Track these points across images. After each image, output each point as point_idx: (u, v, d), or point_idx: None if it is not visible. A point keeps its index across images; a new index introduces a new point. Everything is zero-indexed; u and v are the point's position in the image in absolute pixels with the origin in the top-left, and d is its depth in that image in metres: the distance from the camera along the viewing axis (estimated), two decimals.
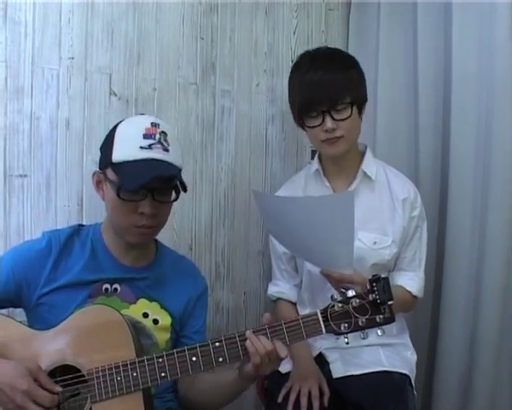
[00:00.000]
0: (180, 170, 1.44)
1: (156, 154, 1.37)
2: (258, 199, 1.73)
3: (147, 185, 1.34)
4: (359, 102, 1.72)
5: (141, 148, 1.36)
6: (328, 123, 1.66)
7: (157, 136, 1.38)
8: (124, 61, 1.86)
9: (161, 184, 1.38)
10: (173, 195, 1.44)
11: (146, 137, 1.37)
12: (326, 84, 1.65)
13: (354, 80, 1.71)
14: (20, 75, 1.70)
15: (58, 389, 1.24)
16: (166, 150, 1.39)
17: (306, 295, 1.85)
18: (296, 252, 1.78)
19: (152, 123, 1.40)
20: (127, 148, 1.37)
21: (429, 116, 2.11)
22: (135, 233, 1.41)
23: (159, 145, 1.38)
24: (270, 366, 1.29)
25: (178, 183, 1.40)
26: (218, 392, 1.43)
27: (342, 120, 1.66)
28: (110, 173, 1.39)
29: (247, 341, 1.28)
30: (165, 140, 1.39)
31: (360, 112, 1.74)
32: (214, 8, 2.02)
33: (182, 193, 1.43)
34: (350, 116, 1.67)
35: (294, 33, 2.21)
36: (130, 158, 1.36)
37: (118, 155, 1.38)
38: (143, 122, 1.40)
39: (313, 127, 1.70)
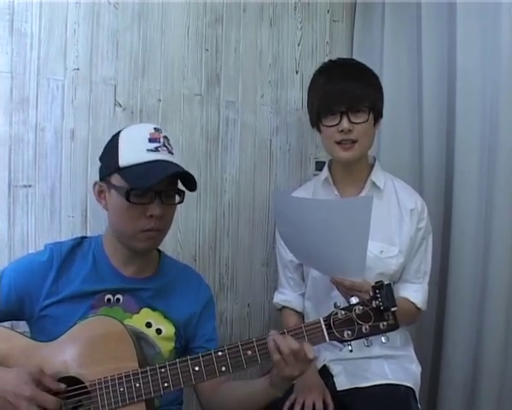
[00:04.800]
0: None
1: (163, 155, 1.39)
2: (277, 199, 1.73)
3: (162, 182, 1.35)
4: (376, 110, 1.75)
5: (148, 150, 1.38)
6: (345, 123, 1.68)
7: (161, 139, 1.41)
8: (129, 72, 1.87)
9: (168, 186, 1.39)
10: (177, 198, 1.45)
11: (151, 140, 1.39)
12: (348, 89, 1.69)
13: (374, 89, 1.75)
14: (26, 86, 1.71)
15: (62, 386, 1.24)
16: (171, 153, 1.42)
17: (309, 304, 1.85)
18: (305, 259, 1.77)
19: (155, 128, 1.42)
20: (134, 152, 1.38)
21: (433, 121, 2.10)
22: (142, 238, 1.41)
23: (164, 148, 1.40)
24: (297, 368, 1.26)
25: (190, 179, 1.42)
26: (247, 400, 1.41)
27: (358, 123, 1.69)
28: (116, 180, 1.39)
29: (268, 338, 1.27)
30: (169, 144, 1.43)
31: (375, 123, 1.76)
32: (219, 20, 2.04)
33: (186, 203, 1.44)
34: (366, 121, 1.70)
35: (299, 45, 2.22)
36: (138, 161, 1.37)
37: (125, 159, 1.38)
38: (146, 128, 1.43)
39: (329, 126, 1.72)
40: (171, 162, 1.40)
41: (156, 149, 1.38)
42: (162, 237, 1.49)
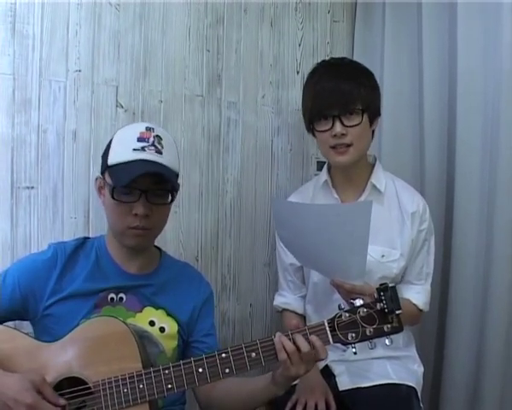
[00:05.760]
0: (176, 174, 1.47)
1: (148, 155, 1.39)
2: (275, 205, 1.73)
3: (134, 181, 1.35)
4: (371, 110, 1.70)
5: (134, 150, 1.39)
6: (338, 127, 1.65)
7: (151, 139, 1.41)
8: (130, 74, 1.88)
9: (153, 185, 1.39)
10: (169, 198, 1.44)
11: (140, 140, 1.40)
12: (339, 90, 1.65)
13: (367, 89, 1.70)
14: (28, 87, 1.72)
15: (62, 401, 1.24)
16: (159, 153, 1.41)
17: (310, 308, 1.85)
18: (306, 262, 1.77)
19: (147, 127, 1.43)
20: (121, 151, 1.41)
21: (434, 122, 2.10)
22: (129, 235, 1.42)
23: (152, 147, 1.40)
24: (303, 367, 1.27)
25: (170, 184, 1.42)
26: (247, 397, 1.41)
27: (352, 126, 1.66)
28: (107, 177, 1.42)
29: (276, 337, 1.27)
30: (160, 143, 1.42)
31: (371, 123, 1.73)
32: (220, 21, 2.04)
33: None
34: (360, 123, 1.66)
35: (300, 45, 2.22)
36: (123, 160, 1.39)
37: (112, 157, 1.42)
38: (139, 127, 1.44)
39: (322, 131, 1.69)
40: (154, 162, 1.39)
41: (142, 149, 1.39)
42: (153, 235, 1.50)
